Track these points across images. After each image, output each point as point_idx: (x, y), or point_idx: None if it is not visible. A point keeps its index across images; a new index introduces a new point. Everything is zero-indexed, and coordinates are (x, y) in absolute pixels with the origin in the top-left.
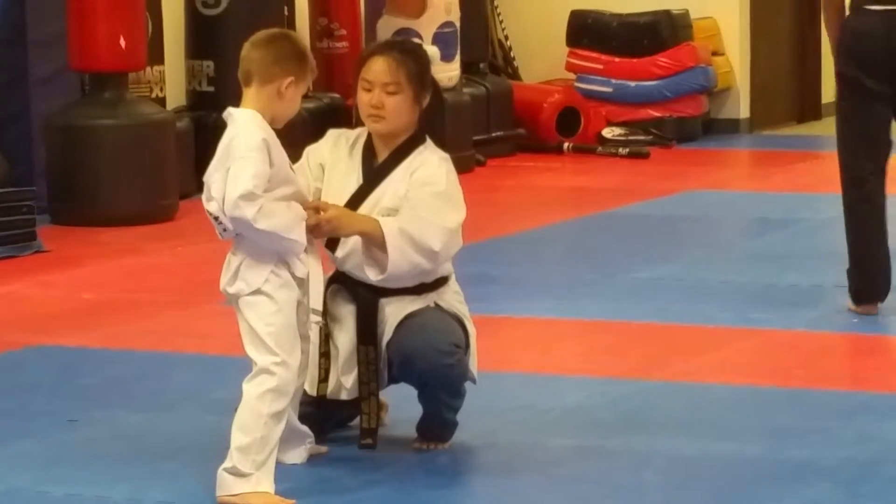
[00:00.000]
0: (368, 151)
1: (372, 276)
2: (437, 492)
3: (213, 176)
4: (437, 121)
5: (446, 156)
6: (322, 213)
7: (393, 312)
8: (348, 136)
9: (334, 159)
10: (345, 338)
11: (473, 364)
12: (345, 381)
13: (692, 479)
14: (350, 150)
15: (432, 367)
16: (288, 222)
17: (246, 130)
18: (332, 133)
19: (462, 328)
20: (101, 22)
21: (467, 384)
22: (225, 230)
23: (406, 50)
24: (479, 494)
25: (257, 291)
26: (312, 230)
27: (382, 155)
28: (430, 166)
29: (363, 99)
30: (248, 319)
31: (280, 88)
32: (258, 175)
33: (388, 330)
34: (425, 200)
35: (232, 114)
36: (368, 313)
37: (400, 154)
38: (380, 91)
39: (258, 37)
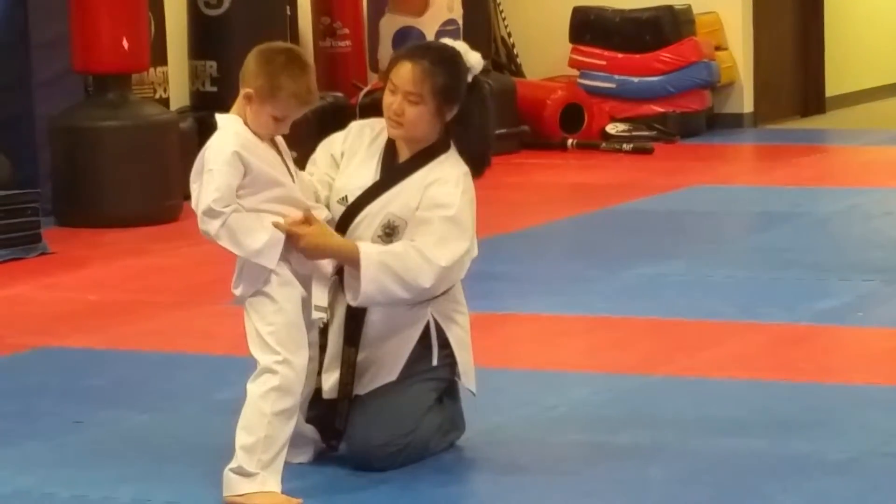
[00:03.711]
0: (390, 147)
1: (348, 298)
2: (443, 489)
3: (192, 186)
4: (478, 132)
5: (467, 171)
6: (305, 224)
7: (377, 326)
8: (373, 126)
9: (352, 149)
10: (334, 336)
11: (471, 377)
12: (325, 379)
13: (698, 473)
14: (371, 142)
15: (378, 464)
16: (258, 245)
17: (219, 141)
18: (355, 124)
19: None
20: (103, 23)
21: (465, 394)
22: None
23: (438, 60)
24: (485, 491)
25: (258, 292)
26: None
27: (403, 155)
28: (447, 185)
29: (386, 101)
30: (250, 319)
31: (241, 97)
32: (221, 188)
33: (362, 376)
34: (433, 225)
35: (217, 120)
36: (355, 316)
37: (420, 159)
38: (402, 98)
39: (266, 44)
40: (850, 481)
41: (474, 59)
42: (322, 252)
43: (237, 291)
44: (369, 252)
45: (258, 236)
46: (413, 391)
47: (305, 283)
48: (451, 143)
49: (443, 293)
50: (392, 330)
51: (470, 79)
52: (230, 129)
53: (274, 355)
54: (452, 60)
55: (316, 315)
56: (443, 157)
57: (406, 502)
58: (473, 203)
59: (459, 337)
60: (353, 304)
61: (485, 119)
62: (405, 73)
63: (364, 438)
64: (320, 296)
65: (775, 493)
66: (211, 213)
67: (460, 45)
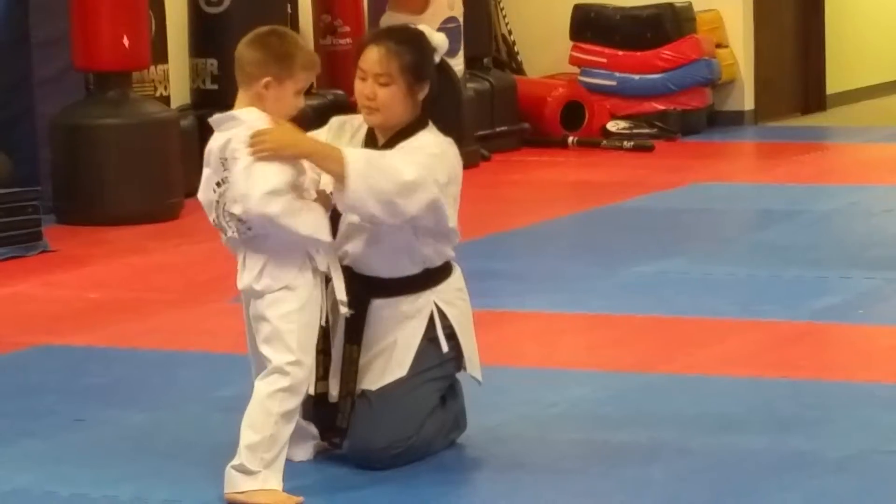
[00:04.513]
0: (370, 137)
1: (339, 206)
2: (443, 488)
3: (234, 176)
4: (450, 112)
5: (450, 140)
6: (263, 135)
7: (381, 322)
8: (353, 122)
9: (336, 144)
10: (338, 340)
11: (475, 364)
12: (332, 385)
13: (698, 471)
14: (351, 137)
15: (380, 465)
16: (312, 222)
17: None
18: (335, 119)
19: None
20: (104, 21)
21: (471, 385)
22: (249, 229)
23: (402, 39)
24: (485, 490)
25: (284, 288)
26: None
27: (382, 140)
28: (429, 137)
29: (358, 88)
30: (268, 317)
31: (258, 90)
32: (278, 172)
33: (366, 365)
34: (413, 155)
35: (237, 116)
36: (357, 311)
37: (399, 137)
38: (372, 81)
39: (248, 36)
40: (849, 479)
41: (439, 39)
42: (287, 148)
43: (259, 286)
44: (353, 149)
45: (309, 215)
46: (418, 393)
47: (324, 280)
48: (428, 121)
49: (443, 275)
50: (396, 323)
51: (437, 60)
52: (260, 118)
53: (289, 355)
54: (416, 39)
55: (341, 310)
56: (422, 132)
57: (407, 500)
58: (457, 166)
59: (462, 323)
60: (342, 208)
61: (456, 98)
62: (371, 56)
63: (366, 441)
64: (342, 290)
65: (775, 490)
66: (277, 192)
67: (423, 27)
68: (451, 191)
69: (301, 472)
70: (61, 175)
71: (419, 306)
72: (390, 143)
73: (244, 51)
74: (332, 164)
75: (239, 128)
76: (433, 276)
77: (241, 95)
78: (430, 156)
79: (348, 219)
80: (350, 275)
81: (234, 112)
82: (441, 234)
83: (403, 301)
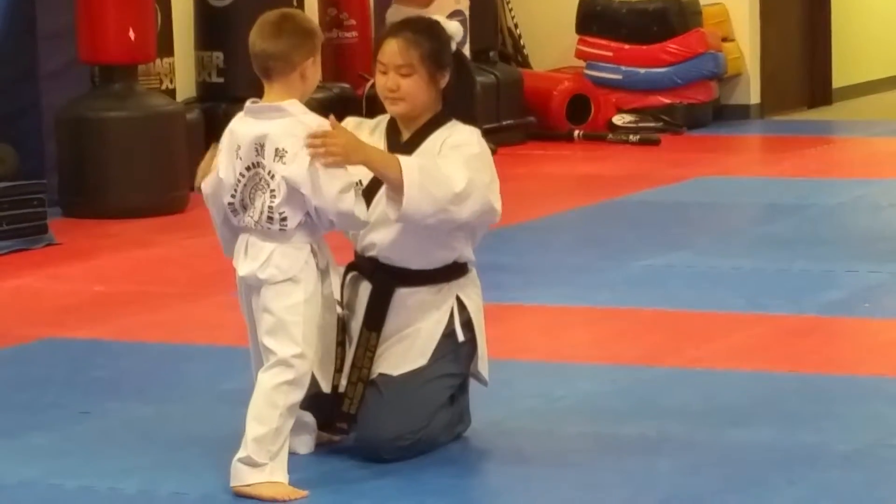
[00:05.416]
0: (392, 131)
1: (391, 214)
2: (448, 480)
3: (292, 166)
4: (464, 101)
5: (477, 130)
6: (329, 138)
7: (405, 310)
8: (370, 123)
9: None
10: (356, 329)
11: (484, 365)
12: (344, 373)
13: (704, 465)
14: (371, 132)
15: (388, 456)
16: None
17: (317, 121)
18: (351, 119)
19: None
20: (110, 14)
21: (477, 385)
22: (284, 220)
23: (419, 29)
24: (490, 483)
25: (289, 280)
26: (317, 156)
27: (406, 135)
28: (462, 134)
29: (379, 82)
30: (273, 308)
31: (303, 72)
32: (345, 169)
33: (385, 347)
34: (452, 157)
35: (285, 108)
36: (381, 299)
37: (425, 131)
38: (394, 73)
39: (264, 27)
40: (856, 473)
41: (453, 28)
42: (351, 156)
43: (263, 274)
44: (407, 157)
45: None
46: (431, 387)
47: (322, 279)
48: (451, 116)
49: (465, 269)
50: (421, 312)
51: (452, 48)
52: (305, 115)
53: (294, 347)
54: (433, 28)
55: (337, 309)
56: (448, 125)
57: (412, 493)
58: (492, 162)
59: (478, 318)
60: (395, 217)
61: (471, 88)
62: (390, 48)
63: (375, 429)
64: (337, 286)
65: (781, 484)
66: (347, 189)
67: (437, 17)
68: (494, 188)
69: (305, 465)
70: (67, 168)
71: (443, 297)
72: (415, 139)
73: (272, 45)
74: (391, 171)
75: (285, 119)
76: (457, 270)
77: (276, 87)
78: (472, 156)
79: (377, 210)
80: (375, 264)
81: (280, 104)
82: (471, 232)
83: (428, 291)
